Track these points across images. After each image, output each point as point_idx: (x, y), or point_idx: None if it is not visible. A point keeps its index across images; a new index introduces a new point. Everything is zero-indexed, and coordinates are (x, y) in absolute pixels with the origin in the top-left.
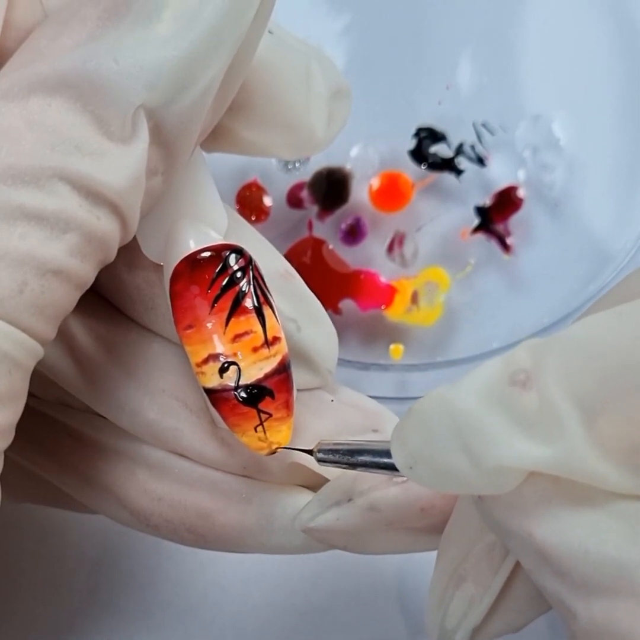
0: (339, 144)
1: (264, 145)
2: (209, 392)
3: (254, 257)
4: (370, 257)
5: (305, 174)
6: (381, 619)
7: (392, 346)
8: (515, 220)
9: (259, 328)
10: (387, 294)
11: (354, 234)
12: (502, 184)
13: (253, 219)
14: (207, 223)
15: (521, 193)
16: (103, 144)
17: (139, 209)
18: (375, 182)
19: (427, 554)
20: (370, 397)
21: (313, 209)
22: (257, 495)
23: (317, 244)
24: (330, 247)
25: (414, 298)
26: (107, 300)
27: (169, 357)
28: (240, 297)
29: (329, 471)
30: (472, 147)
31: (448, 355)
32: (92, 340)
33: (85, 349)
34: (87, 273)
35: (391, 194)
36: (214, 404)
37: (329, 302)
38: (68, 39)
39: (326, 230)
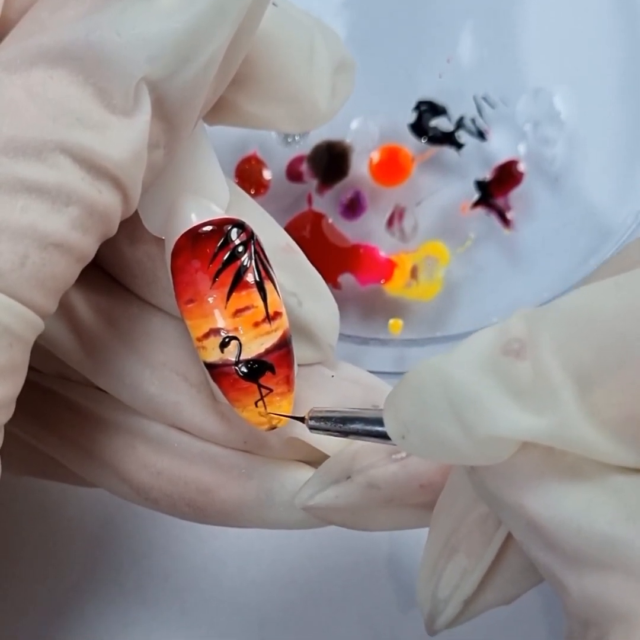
0: (339, 117)
1: (267, 118)
2: (210, 366)
3: (256, 231)
4: (369, 231)
5: (305, 147)
6: (379, 593)
7: (391, 321)
8: (515, 195)
9: (260, 303)
10: (387, 269)
11: (353, 207)
12: (503, 158)
13: (252, 192)
14: (209, 197)
15: (521, 167)
16: (105, 116)
17: (141, 183)
18: (375, 156)
19: (426, 529)
20: (369, 371)
21: (313, 183)
22: (257, 470)
23: (317, 218)
24: (330, 221)
25: (414, 272)
26: (108, 273)
27: (170, 331)
28: (241, 271)
29: (329, 446)
30: (473, 120)
31: (447, 330)
32: (92, 313)
33: (86, 322)
34: (89, 246)
35: (391, 167)
36: (215, 379)
37: (328, 276)
38: (70, 10)
39: (326, 204)
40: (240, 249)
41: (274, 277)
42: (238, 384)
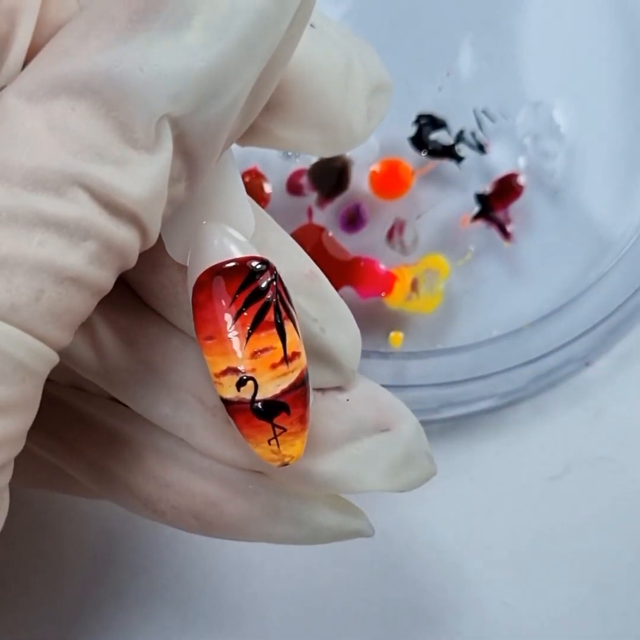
0: None
1: (300, 142)
2: (226, 402)
3: (279, 258)
4: (370, 244)
5: (305, 161)
6: (381, 606)
7: (391, 334)
8: (515, 208)
9: (279, 344)
10: (387, 282)
11: (353, 221)
12: (503, 171)
13: None
14: (234, 225)
15: (521, 180)
16: (126, 152)
17: (160, 219)
18: (376, 169)
19: (426, 541)
20: None
21: (313, 196)
22: (265, 486)
23: (317, 231)
24: (330, 234)
25: (414, 285)
26: (130, 289)
27: (189, 353)
28: (263, 311)
29: (337, 487)
30: (473, 134)
31: (448, 343)
32: (112, 331)
33: (105, 339)
34: (106, 280)
35: (391, 181)
36: (230, 414)
37: None
38: (95, 40)
39: (326, 217)
40: (263, 287)
41: (294, 316)
42: (252, 422)
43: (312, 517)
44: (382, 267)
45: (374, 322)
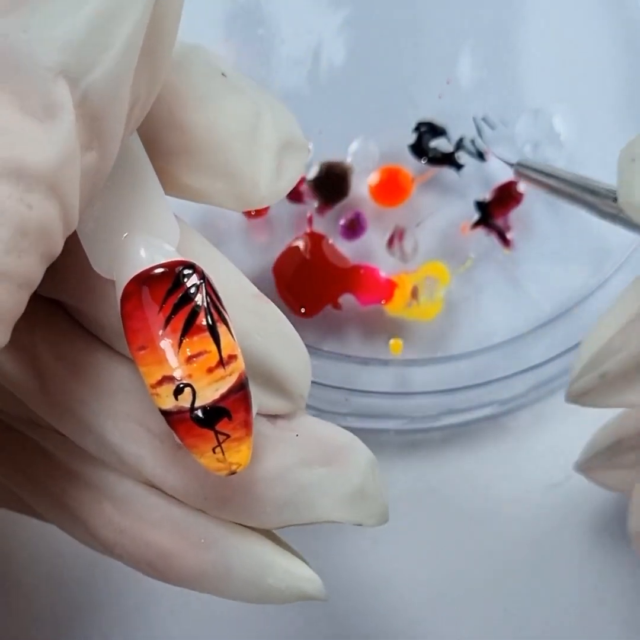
0: (338, 138)
1: (205, 192)
2: (165, 413)
3: (224, 279)
4: (370, 251)
5: (305, 168)
6: (380, 612)
7: (391, 341)
8: (515, 215)
9: (213, 347)
10: (387, 289)
11: (353, 228)
12: (502, 179)
13: (253, 213)
14: (158, 234)
15: (521, 188)
16: (26, 122)
17: (78, 189)
18: (375, 177)
19: (427, 547)
20: (369, 392)
21: (313, 204)
22: (217, 542)
23: (317, 239)
24: (330, 241)
25: (414, 293)
26: (75, 320)
27: (134, 380)
28: (193, 315)
29: (290, 515)
30: (473, 141)
31: (448, 350)
32: (57, 361)
33: (50, 369)
34: (30, 268)
35: (391, 188)
36: (171, 426)
37: (329, 296)
38: None
39: (326, 224)
40: (192, 291)
41: (227, 318)
42: (194, 430)
43: (263, 579)
44: (382, 274)
45: (374, 329)
